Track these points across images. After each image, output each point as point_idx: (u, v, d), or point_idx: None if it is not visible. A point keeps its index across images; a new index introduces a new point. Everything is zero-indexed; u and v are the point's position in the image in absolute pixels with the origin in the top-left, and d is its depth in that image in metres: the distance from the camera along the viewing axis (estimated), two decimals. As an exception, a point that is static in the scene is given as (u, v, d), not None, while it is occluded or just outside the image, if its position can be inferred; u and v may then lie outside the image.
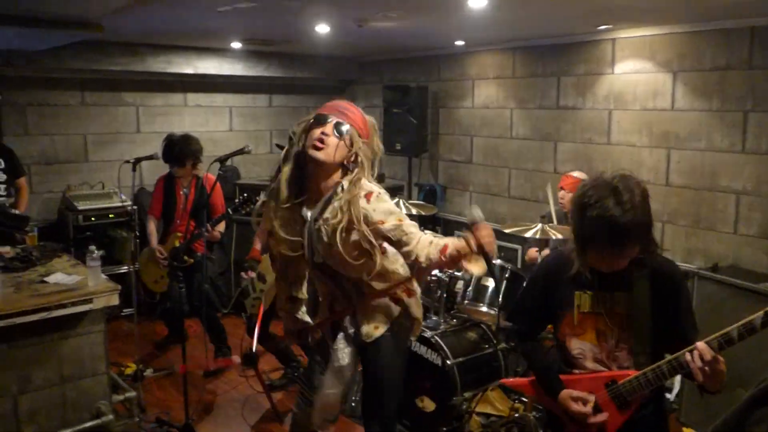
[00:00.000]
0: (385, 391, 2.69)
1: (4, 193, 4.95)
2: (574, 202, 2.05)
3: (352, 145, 2.40)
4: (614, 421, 2.11)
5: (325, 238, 2.42)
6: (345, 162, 2.42)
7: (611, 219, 1.90)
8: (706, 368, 1.86)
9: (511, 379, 2.90)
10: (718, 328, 1.90)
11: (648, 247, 2.05)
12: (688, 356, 1.91)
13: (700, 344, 1.88)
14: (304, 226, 2.49)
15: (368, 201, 2.37)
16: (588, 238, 1.99)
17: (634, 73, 4.95)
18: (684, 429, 3.52)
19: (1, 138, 5.61)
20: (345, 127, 2.39)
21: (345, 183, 2.40)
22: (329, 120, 2.40)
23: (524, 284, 2.55)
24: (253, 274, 4.29)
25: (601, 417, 2.10)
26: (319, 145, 2.35)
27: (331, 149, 2.36)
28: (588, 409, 2.12)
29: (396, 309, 2.65)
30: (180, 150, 4.72)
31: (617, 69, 5.07)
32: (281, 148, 2.65)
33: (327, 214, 2.41)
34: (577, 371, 2.21)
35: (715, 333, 1.89)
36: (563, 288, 2.20)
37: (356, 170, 2.41)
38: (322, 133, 2.36)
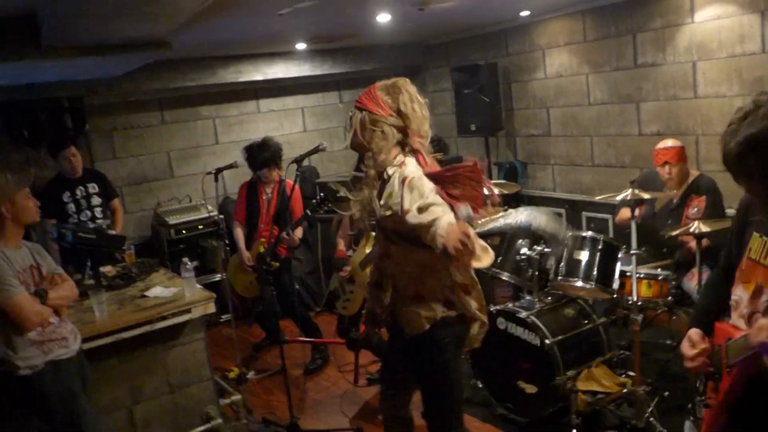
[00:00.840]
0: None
1: (101, 216, 5.19)
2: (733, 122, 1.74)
3: (365, 128, 2.47)
4: (725, 380, 1.94)
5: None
6: (367, 145, 2.47)
7: (726, 144, 1.66)
8: None
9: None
10: None
11: None
12: None
13: None
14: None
15: (403, 186, 2.36)
16: (744, 169, 1.68)
17: (716, 19, 4.64)
18: None
19: (92, 164, 5.90)
20: (352, 116, 2.55)
21: (389, 170, 2.46)
22: (350, 114, 2.57)
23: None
24: (348, 269, 4.32)
25: (695, 363, 1.98)
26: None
27: (350, 137, 2.54)
28: (690, 351, 2.00)
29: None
30: (258, 155, 4.80)
31: (697, 17, 4.77)
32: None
33: (382, 201, 2.46)
34: (728, 320, 2.02)
35: None
36: (750, 227, 1.96)
37: (374, 153, 2.45)
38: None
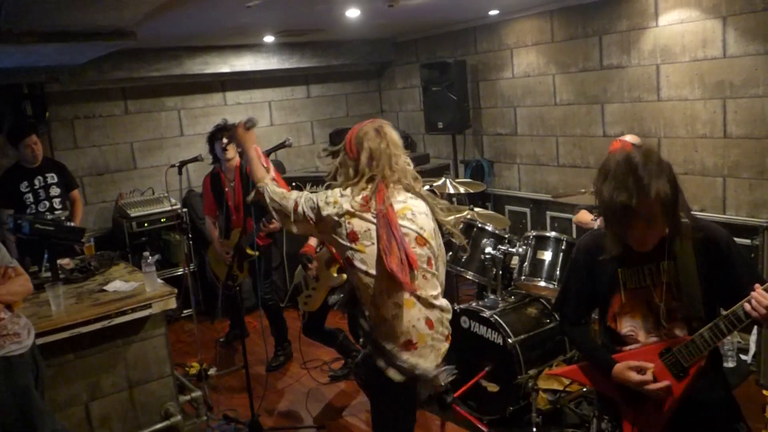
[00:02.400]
0: None
1: (59, 207, 5.07)
2: (595, 180, 1.98)
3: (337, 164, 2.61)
4: (673, 391, 2.01)
5: None
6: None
7: (623, 201, 1.83)
8: None
9: (557, 369, 2.75)
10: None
11: (675, 226, 1.96)
12: (747, 306, 1.83)
13: (756, 293, 1.82)
14: None
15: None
16: (611, 212, 1.92)
17: (680, 23, 4.71)
18: (764, 392, 3.36)
19: (52, 153, 5.75)
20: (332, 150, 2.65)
21: None
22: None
23: (566, 270, 2.40)
24: (315, 265, 4.29)
25: (661, 384, 1.99)
26: None
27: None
28: (648, 376, 2.01)
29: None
30: (218, 132, 4.75)
31: (661, 21, 4.84)
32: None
33: None
34: (627, 348, 2.11)
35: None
36: (606, 268, 2.11)
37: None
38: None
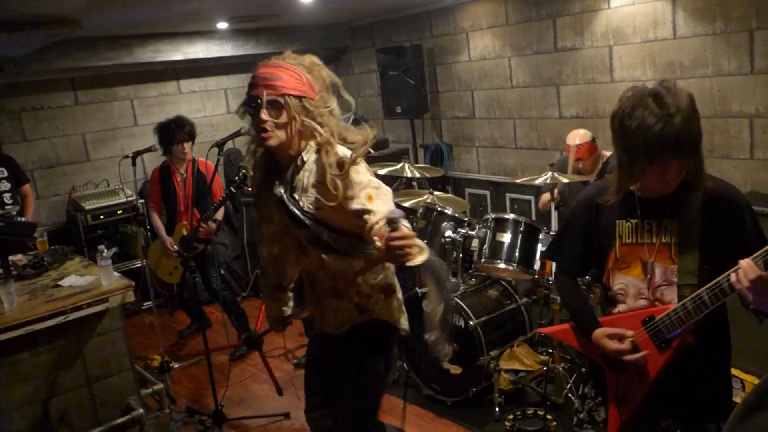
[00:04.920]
0: None
1: (10, 202, 4.94)
2: (612, 117, 1.84)
3: (297, 113, 2.11)
4: (654, 361, 1.94)
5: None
6: (301, 129, 2.16)
7: (652, 127, 1.71)
8: (757, 287, 1.67)
9: (548, 327, 2.68)
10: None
11: (697, 166, 1.82)
12: (733, 277, 1.72)
13: (744, 262, 1.70)
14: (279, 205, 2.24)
15: (340, 171, 2.07)
16: (630, 154, 1.79)
17: (631, 4, 4.78)
18: (734, 371, 3.26)
19: (0, 147, 5.58)
20: (280, 101, 2.10)
21: (309, 154, 2.19)
22: (260, 101, 2.12)
23: (564, 220, 2.29)
24: None
25: (638, 355, 1.93)
26: (265, 135, 2.13)
27: (279, 132, 2.13)
28: (624, 345, 1.95)
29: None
30: (177, 131, 4.66)
31: (613, 2, 4.90)
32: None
33: (297, 192, 2.20)
34: (615, 311, 2.04)
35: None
36: (605, 218, 2.02)
37: (318, 135, 2.14)
38: (261, 121, 2.12)
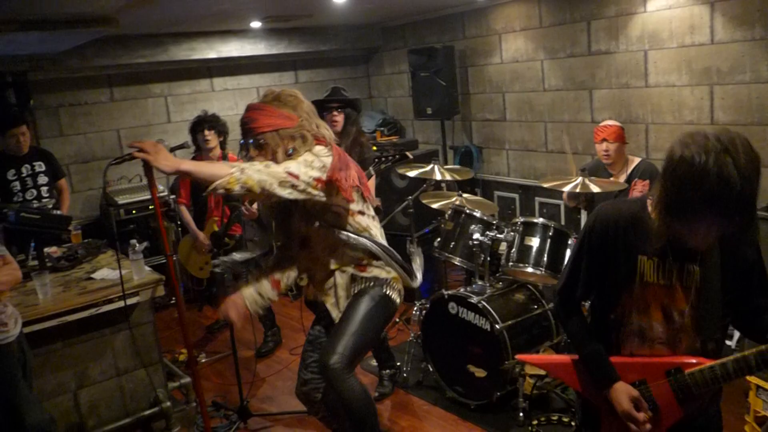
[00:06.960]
0: None
1: (47, 195, 5.04)
2: (669, 163, 1.63)
3: (278, 143, 2.57)
4: (670, 415, 1.83)
5: None
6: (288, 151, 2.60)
7: (730, 188, 1.53)
8: None
9: (527, 355, 2.41)
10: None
11: (750, 223, 1.68)
12: None
13: None
14: None
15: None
16: (691, 209, 1.59)
17: (668, 9, 4.71)
18: (747, 377, 3.31)
19: (38, 142, 5.71)
20: (260, 140, 2.58)
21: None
22: (249, 142, 2.61)
23: (576, 243, 2.06)
24: None
25: (646, 428, 1.81)
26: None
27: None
28: (641, 416, 1.81)
29: None
30: (203, 120, 4.86)
31: (649, 6, 4.84)
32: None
33: None
34: (626, 353, 1.91)
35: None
36: (624, 249, 1.85)
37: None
38: (251, 157, 2.59)
